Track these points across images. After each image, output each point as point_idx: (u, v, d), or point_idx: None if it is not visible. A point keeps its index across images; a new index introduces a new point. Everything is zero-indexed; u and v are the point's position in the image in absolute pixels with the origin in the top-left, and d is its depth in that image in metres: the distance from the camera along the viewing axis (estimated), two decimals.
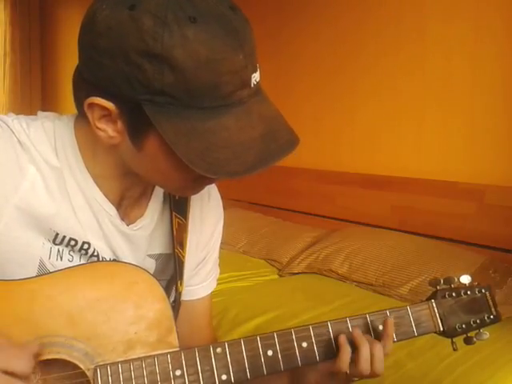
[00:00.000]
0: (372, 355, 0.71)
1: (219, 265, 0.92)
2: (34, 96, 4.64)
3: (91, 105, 0.61)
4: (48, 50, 4.69)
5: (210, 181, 0.69)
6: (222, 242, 0.91)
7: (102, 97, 0.60)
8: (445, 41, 2.12)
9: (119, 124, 0.62)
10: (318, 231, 2.41)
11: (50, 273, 0.67)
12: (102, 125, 0.62)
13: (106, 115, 0.61)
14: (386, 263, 1.93)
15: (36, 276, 0.66)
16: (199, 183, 0.70)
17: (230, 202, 2.71)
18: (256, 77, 0.61)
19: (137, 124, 0.61)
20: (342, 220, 2.48)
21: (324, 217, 2.56)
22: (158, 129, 0.59)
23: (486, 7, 1.99)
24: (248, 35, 0.60)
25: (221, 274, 0.93)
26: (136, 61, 0.56)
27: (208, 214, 0.86)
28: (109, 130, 0.63)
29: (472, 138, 2.06)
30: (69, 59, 4.15)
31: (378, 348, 0.72)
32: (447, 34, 2.11)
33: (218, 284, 0.91)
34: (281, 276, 2.20)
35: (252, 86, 0.61)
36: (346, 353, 0.71)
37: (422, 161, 2.23)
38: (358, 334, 0.72)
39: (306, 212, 2.66)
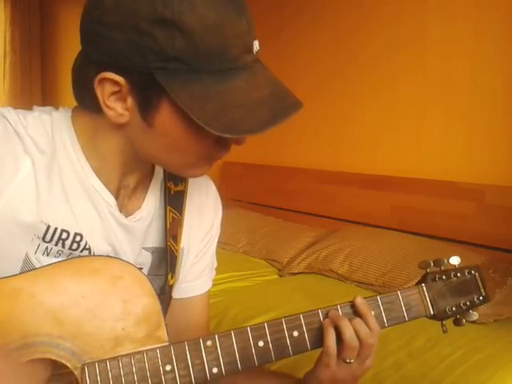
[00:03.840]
0: (355, 329, 0.71)
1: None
2: (34, 96, 4.64)
3: (102, 80, 0.62)
4: (48, 50, 4.69)
5: (219, 153, 0.69)
6: (222, 242, 0.91)
7: (113, 72, 0.61)
8: (445, 41, 2.12)
9: (129, 100, 0.62)
10: (318, 231, 2.41)
11: (33, 270, 0.66)
12: (111, 103, 0.63)
13: (117, 92, 0.62)
14: (386, 263, 1.93)
15: (18, 274, 0.65)
16: (208, 158, 0.69)
17: (230, 201, 2.71)
18: (256, 45, 0.64)
19: (148, 96, 0.62)
20: (341, 220, 2.48)
21: (324, 217, 2.56)
22: (172, 95, 0.60)
23: (485, 8, 1.99)
24: (246, 5, 0.63)
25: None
26: (147, 29, 0.57)
27: (206, 208, 0.86)
28: (118, 108, 0.63)
29: (472, 137, 2.06)
30: (69, 59, 4.11)
31: (358, 321, 0.72)
32: (447, 34, 2.11)
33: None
34: (281, 276, 2.19)
35: (254, 52, 0.63)
36: (330, 333, 0.71)
37: (422, 161, 2.23)
38: (334, 313, 0.73)
39: (306, 212, 2.66)
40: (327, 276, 2.06)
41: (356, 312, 0.74)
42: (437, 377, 1.26)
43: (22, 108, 0.70)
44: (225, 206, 0.91)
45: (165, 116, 0.62)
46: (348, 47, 2.49)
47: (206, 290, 0.89)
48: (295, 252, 2.27)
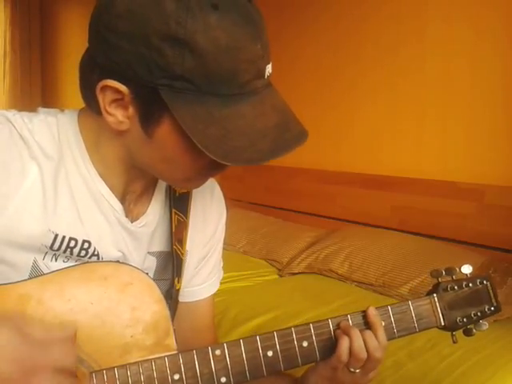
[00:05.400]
0: (364, 341, 0.71)
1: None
2: (34, 96, 4.64)
3: (104, 88, 0.60)
4: (48, 50, 4.69)
5: (215, 172, 0.68)
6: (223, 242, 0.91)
7: (117, 80, 0.59)
8: (445, 41, 2.12)
9: (130, 110, 0.61)
10: (318, 231, 2.41)
11: (41, 275, 0.65)
12: (112, 109, 0.62)
13: (118, 99, 0.61)
14: (386, 263, 1.93)
15: (26, 279, 0.64)
16: (204, 174, 0.69)
17: (230, 202, 2.70)
18: (269, 69, 0.62)
19: (150, 110, 0.60)
20: (342, 220, 2.48)
21: (324, 217, 2.56)
22: (175, 114, 0.58)
23: (485, 8, 1.99)
24: (264, 27, 0.61)
25: None
26: (157, 45, 0.56)
27: (210, 210, 0.85)
28: (118, 115, 0.62)
29: (472, 137, 2.06)
30: (69, 59, 4.14)
31: (369, 334, 0.72)
32: (447, 34, 2.11)
33: None
34: (281, 276, 2.19)
35: (266, 77, 0.62)
36: (344, 341, 0.71)
37: (422, 161, 2.23)
38: (346, 325, 0.73)
39: (306, 212, 2.66)
40: (327, 276, 2.06)
41: (367, 322, 0.74)
42: (437, 377, 1.26)
43: (22, 108, 0.70)
44: (225, 206, 0.91)
45: (165, 131, 0.61)
46: (348, 47, 2.49)
47: (213, 292, 0.89)
48: (295, 252, 2.27)
